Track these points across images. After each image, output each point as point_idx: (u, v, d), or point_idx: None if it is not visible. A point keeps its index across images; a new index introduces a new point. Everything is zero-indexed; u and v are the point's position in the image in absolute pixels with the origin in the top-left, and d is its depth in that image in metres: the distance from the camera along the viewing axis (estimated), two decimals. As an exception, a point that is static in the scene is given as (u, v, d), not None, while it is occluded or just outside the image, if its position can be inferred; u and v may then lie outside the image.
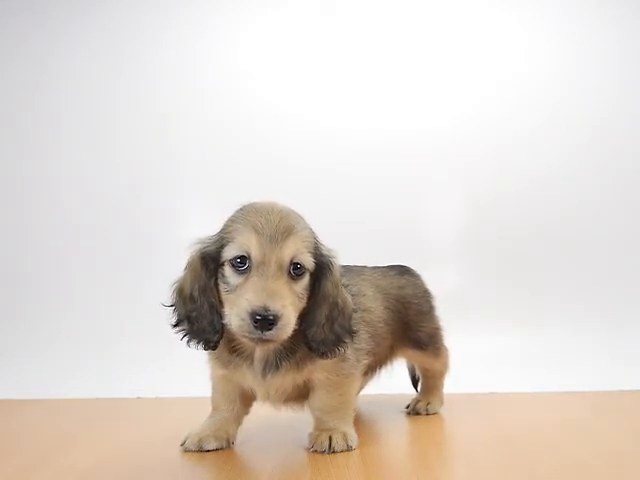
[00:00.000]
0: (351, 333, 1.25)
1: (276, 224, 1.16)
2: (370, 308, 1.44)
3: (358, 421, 1.38)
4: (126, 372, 2.07)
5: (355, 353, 1.32)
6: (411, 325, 1.57)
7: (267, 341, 1.12)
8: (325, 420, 1.31)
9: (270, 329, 1.08)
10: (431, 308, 1.63)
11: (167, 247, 2.43)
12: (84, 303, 2.48)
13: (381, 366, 1.58)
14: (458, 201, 2.56)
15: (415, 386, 1.77)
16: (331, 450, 1.27)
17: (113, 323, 2.38)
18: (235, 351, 1.26)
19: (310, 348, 1.20)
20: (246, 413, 1.39)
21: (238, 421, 1.37)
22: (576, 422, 1.50)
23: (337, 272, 1.24)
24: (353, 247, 2.30)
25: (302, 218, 1.23)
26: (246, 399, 1.37)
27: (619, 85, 2.55)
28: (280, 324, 1.09)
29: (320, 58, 2.58)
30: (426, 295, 1.64)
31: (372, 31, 2.58)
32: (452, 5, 2.58)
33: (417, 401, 1.64)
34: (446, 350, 1.66)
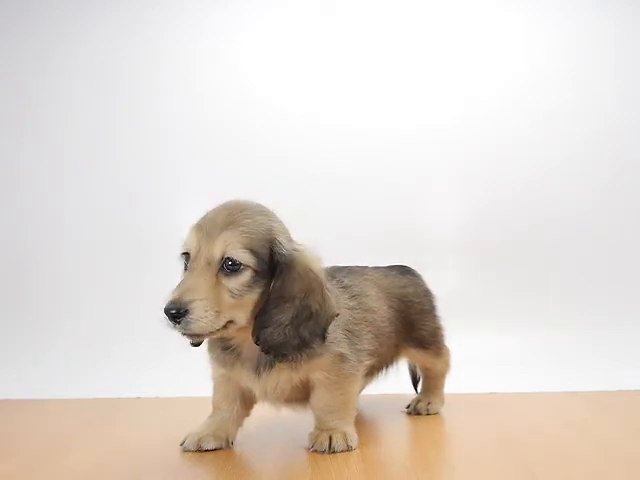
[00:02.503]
0: (323, 337, 1.21)
1: (218, 219, 1.17)
2: (373, 308, 1.44)
3: (358, 421, 1.38)
4: (126, 372, 2.07)
5: (356, 354, 1.32)
6: (414, 324, 1.58)
7: (191, 336, 1.14)
8: (326, 420, 1.31)
9: (178, 322, 1.10)
10: (432, 307, 1.64)
11: (168, 247, 2.43)
12: (84, 303, 2.48)
13: (387, 366, 1.58)
14: (458, 201, 2.55)
15: (415, 387, 1.77)
16: (331, 450, 1.27)
17: (113, 323, 2.38)
18: (227, 349, 1.27)
19: (261, 350, 1.18)
20: (247, 415, 1.39)
21: (238, 422, 1.37)
22: (576, 422, 1.50)
23: (306, 272, 1.18)
24: (353, 247, 2.31)
25: (263, 216, 1.21)
26: (247, 400, 1.37)
27: (621, 85, 2.54)
28: (189, 318, 1.09)
29: (320, 58, 2.57)
30: (427, 294, 1.65)
31: (372, 31, 2.57)
32: (452, 5, 2.58)
33: (418, 401, 1.64)
34: (447, 350, 1.66)
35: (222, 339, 1.27)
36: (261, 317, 1.16)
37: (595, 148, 2.53)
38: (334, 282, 1.38)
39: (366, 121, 2.54)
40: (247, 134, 2.55)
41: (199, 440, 1.31)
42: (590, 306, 2.43)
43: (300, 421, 1.43)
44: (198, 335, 1.14)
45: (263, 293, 1.17)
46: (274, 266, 1.17)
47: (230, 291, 1.14)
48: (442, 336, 1.64)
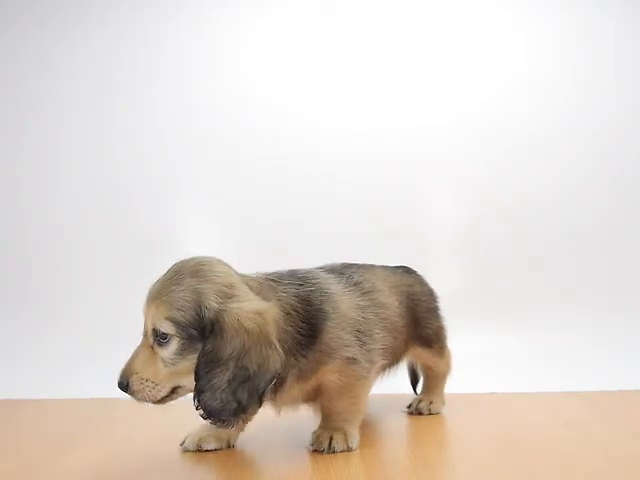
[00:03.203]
0: (261, 400, 1.14)
1: (153, 290, 1.19)
2: (386, 303, 1.44)
3: (358, 421, 1.38)
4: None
5: (368, 355, 1.31)
6: (420, 322, 1.58)
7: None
8: (331, 420, 1.32)
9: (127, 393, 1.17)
10: (437, 307, 1.66)
11: (166, 248, 2.43)
12: (84, 303, 2.48)
13: (396, 362, 1.58)
14: (458, 201, 2.55)
15: (414, 388, 1.77)
16: (330, 450, 1.27)
17: (113, 323, 2.38)
18: None
19: (202, 416, 1.15)
20: (249, 419, 1.38)
21: (240, 426, 1.36)
22: (576, 422, 1.50)
23: (238, 332, 1.12)
24: (353, 247, 2.31)
25: (196, 276, 1.16)
26: None
27: (621, 85, 2.54)
28: (132, 390, 1.17)
29: (320, 58, 2.57)
30: (432, 294, 1.66)
31: (372, 31, 2.57)
32: (452, 5, 2.58)
33: (419, 400, 1.64)
34: (449, 351, 1.67)
35: None
36: (198, 382, 1.13)
37: (595, 148, 2.53)
38: (344, 279, 1.37)
39: (366, 121, 2.54)
40: (247, 134, 2.55)
41: (199, 440, 1.31)
42: (590, 306, 2.43)
43: (300, 421, 1.42)
44: (150, 403, 1.18)
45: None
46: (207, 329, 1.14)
47: (163, 360, 1.16)
48: (445, 336, 1.65)
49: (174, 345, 1.15)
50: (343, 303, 1.30)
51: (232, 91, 2.56)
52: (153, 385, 1.16)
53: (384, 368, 1.52)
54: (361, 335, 1.30)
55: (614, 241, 2.50)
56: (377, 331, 1.35)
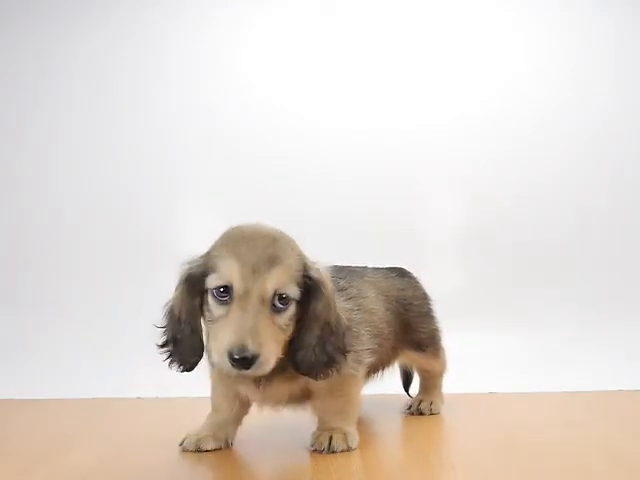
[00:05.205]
0: (345, 352, 1.21)
1: (260, 252, 1.12)
2: (372, 309, 1.44)
3: (358, 421, 1.38)
4: (126, 372, 2.07)
5: (355, 355, 1.31)
6: (412, 326, 1.58)
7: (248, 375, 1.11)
8: (328, 420, 1.31)
9: (248, 368, 1.07)
10: (430, 310, 1.65)
11: (167, 247, 2.43)
12: (83, 303, 2.48)
13: (384, 368, 1.58)
14: (458, 201, 2.56)
15: (407, 389, 1.77)
16: (330, 450, 1.27)
17: (113, 323, 2.38)
18: None
19: (301, 372, 1.18)
20: (245, 413, 1.38)
21: (237, 422, 1.36)
22: (576, 422, 1.50)
23: (330, 292, 1.19)
24: (353, 247, 2.31)
25: (290, 241, 1.19)
26: (245, 399, 1.36)
27: (621, 85, 2.54)
28: (258, 362, 1.07)
29: (320, 58, 2.58)
30: (425, 297, 1.65)
31: (372, 31, 2.58)
32: (452, 5, 2.58)
33: (420, 401, 1.64)
34: (444, 350, 1.67)
35: None
36: (294, 342, 1.16)
37: (595, 148, 2.53)
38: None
39: (366, 121, 2.55)
40: (247, 134, 2.55)
41: (198, 440, 1.31)
42: (590, 306, 2.43)
43: (300, 421, 1.42)
44: (258, 375, 1.11)
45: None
46: (305, 291, 1.16)
47: (281, 328, 1.13)
48: (439, 337, 1.65)
49: (291, 310, 1.14)
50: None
51: (232, 91, 2.57)
52: (277, 357, 1.11)
53: (370, 372, 1.51)
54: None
55: (614, 241, 2.50)
56: (363, 333, 1.35)
